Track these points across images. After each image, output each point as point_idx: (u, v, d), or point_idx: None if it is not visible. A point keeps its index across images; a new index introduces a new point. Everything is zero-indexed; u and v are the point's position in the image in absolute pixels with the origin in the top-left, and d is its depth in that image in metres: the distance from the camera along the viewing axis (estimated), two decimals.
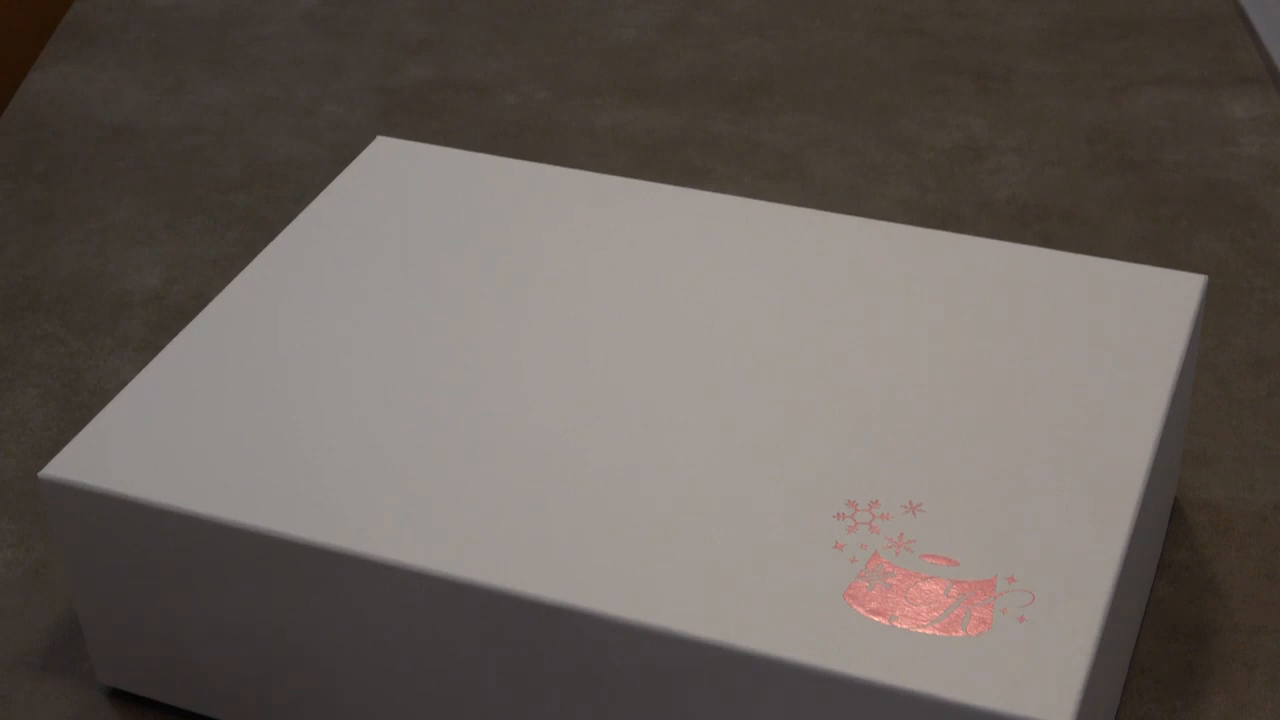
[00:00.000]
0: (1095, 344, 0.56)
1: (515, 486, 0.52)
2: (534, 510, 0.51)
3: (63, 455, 0.54)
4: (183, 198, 0.82)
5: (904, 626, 0.47)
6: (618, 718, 0.50)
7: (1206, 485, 0.63)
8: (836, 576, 0.48)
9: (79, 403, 0.70)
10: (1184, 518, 0.62)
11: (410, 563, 0.49)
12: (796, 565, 0.49)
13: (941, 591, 0.48)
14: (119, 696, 0.58)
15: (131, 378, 0.71)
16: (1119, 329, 0.57)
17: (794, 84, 0.89)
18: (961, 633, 0.46)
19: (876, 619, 0.47)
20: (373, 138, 0.86)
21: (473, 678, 0.51)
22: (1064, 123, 0.85)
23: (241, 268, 0.77)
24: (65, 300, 0.76)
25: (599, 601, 0.48)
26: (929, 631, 0.47)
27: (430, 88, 0.90)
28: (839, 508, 0.50)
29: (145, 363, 0.72)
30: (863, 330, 0.57)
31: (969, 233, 0.77)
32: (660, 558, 0.49)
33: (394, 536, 0.50)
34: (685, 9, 0.97)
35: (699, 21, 0.95)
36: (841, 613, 0.47)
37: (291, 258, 0.62)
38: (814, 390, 0.55)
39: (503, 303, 0.59)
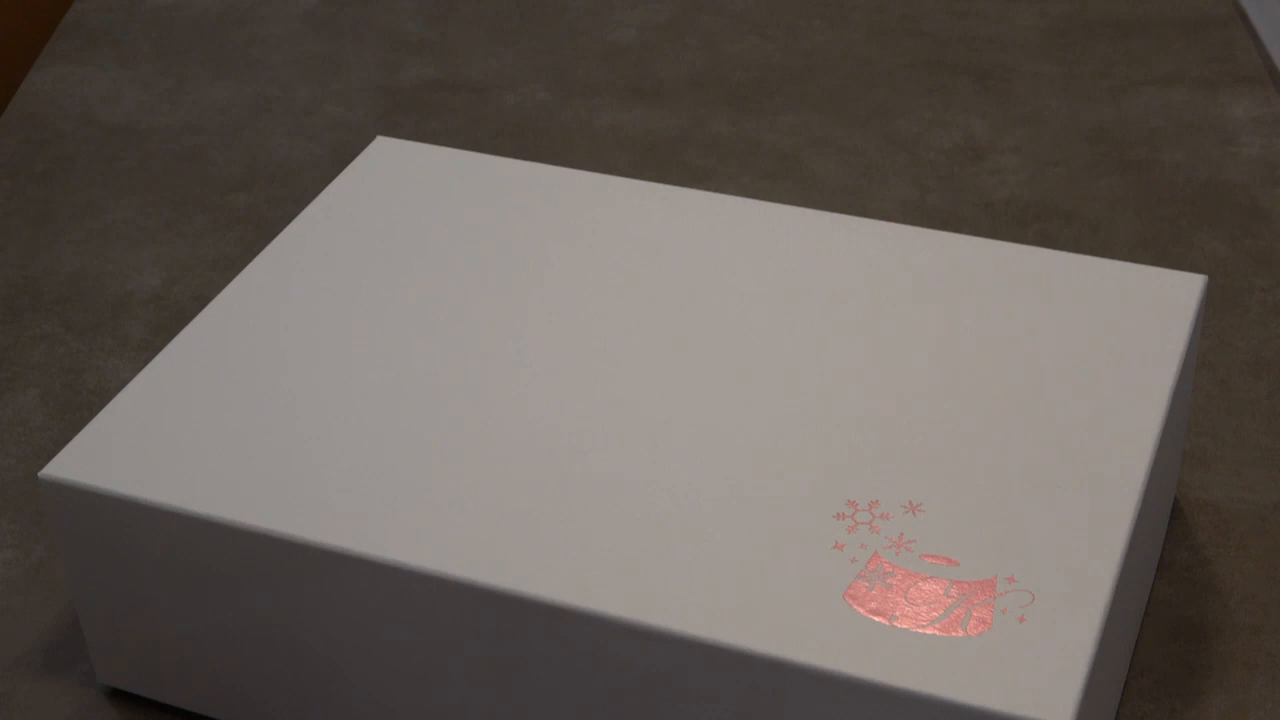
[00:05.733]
0: (1095, 344, 0.56)
1: (515, 486, 0.52)
2: (534, 510, 0.51)
3: (63, 455, 0.54)
4: (183, 198, 0.82)
5: (904, 626, 0.47)
6: (618, 718, 0.50)
7: (1206, 485, 0.63)
8: (836, 576, 0.48)
9: (79, 403, 0.70)
10: (1184, 518, 0.62)
11: (410, 563, 0.49)
12: (796, 565, 0.49)
13: (941, 591, 0.48)
14: (119, 696, 0.58)
15: (131, 378, 0.71)
16: (1119, 329, 0.56)
17: (794, 84, 0.89)
18: (961, 633, 0.46)
19: (876, 619, 0.47)
20: (373, 138, 0.86)
21: (472, 677, 0.51)
22: (1064, 123, 0.85)
23: (241, 268, 0.77)
24: (65, 300, 0.76)
25: (599, 601, 0.48)
26: (929, 631, 0.47)
27: (430, 88, 0.90)
28: (839, 508, 0.50)
29: (145, 363, 0.72)
30: (862, 330, 0.57)
31: (969, 233, 0.77)
32: (660, 558, 0.49)
33: (394, 536, 0.50)
34: (685, 9, 0.97)
35: (699, 21, 0.95)
36: (841, 613, 0.47)
37: (291, 258, 0.62)
38: (814, 390, 0.55)
39: (503, 303, 0.59)
